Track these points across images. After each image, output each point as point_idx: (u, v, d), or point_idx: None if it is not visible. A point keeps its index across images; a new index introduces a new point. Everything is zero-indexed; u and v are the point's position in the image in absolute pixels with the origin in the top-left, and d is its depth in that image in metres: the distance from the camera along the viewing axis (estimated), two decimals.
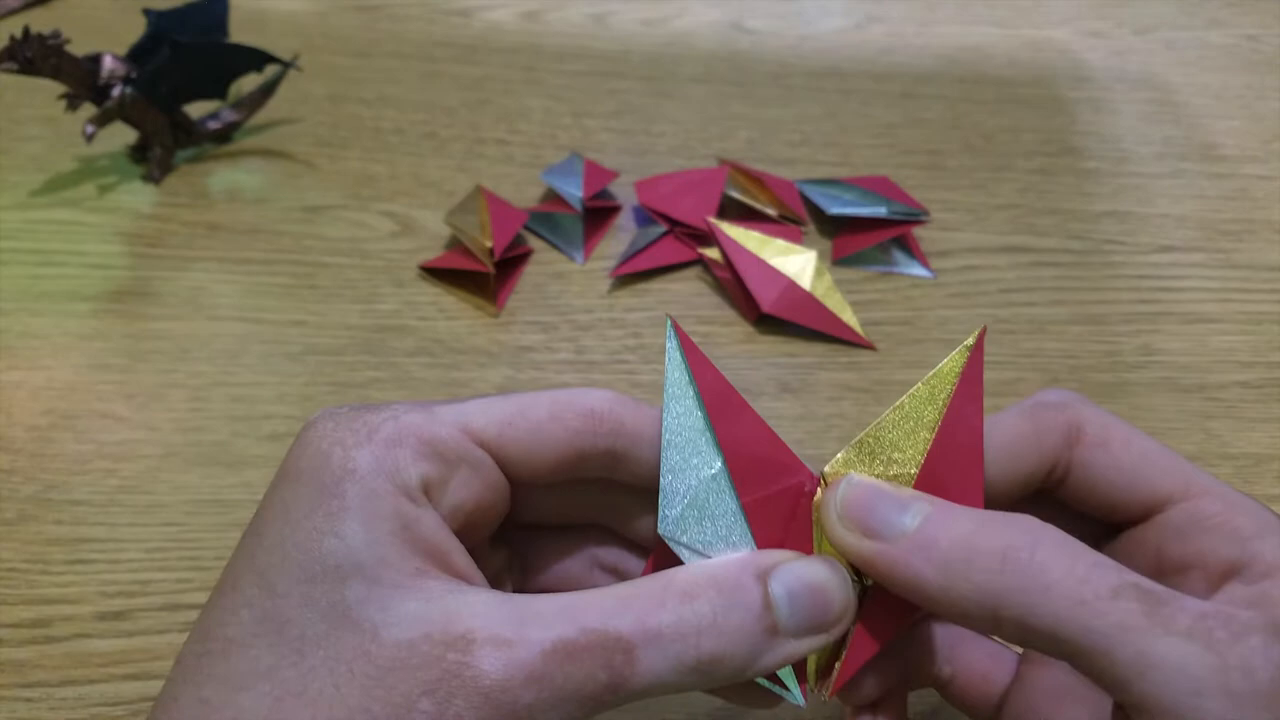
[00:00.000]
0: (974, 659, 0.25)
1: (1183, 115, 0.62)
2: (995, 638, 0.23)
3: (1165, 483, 0.22)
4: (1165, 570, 0.22)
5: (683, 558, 0.22)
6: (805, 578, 0.21)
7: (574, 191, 0.50)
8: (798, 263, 0.46)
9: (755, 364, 0.44)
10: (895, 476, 0.22)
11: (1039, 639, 0.19)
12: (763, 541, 0.22)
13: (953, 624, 0.25)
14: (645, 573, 0.23)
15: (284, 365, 0.43)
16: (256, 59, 0.54)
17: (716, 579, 0.21)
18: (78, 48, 0.48)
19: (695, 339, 0.45)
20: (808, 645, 0.21)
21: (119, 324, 0.44)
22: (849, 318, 0.45)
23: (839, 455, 0.23)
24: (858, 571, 0.22)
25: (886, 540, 0.20)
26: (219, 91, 0.54)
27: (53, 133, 0.55)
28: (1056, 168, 0.57)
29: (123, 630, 0.33)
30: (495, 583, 0.25)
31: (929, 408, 0.23)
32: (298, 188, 0.53)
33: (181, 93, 0.52)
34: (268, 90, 0.56)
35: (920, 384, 0.23)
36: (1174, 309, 0.48)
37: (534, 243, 0.50)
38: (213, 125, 0.54)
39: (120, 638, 0.33)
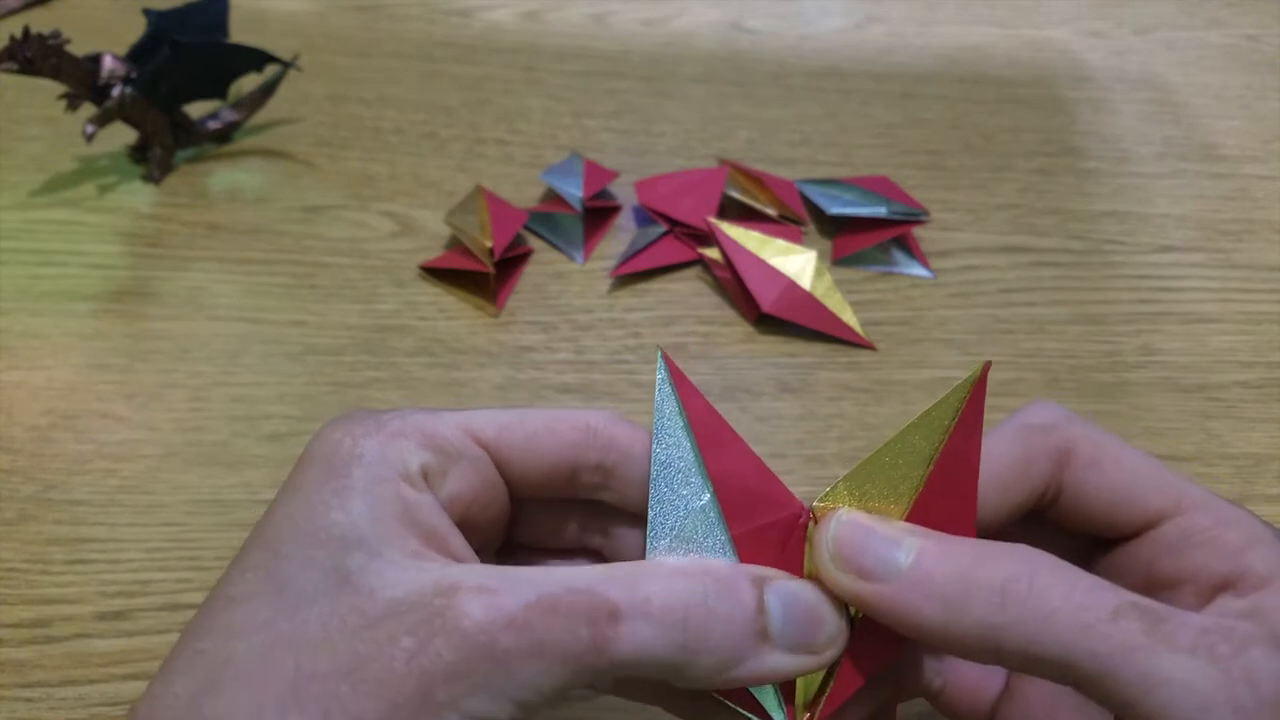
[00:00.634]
0: (964, 670, 0.25)
1: (1183, 115, 0.62)
2: None
3: (1156, 500, 0.22)
4: (1157, 586, 0.22)
5: None
6: (800, 596, 0.21)
7: (574, 191, 0.50)
8: (798, 263, 0.46)
9: (755, 364, 0.44)
10: (888, 511, 0.22)
11: (1043, 667, 0.19)
12: None
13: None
14: None
15: (284, 365, 0.43)
16: (256, 59, 0.54)
17: (711, 570, 0.21)
18: (78, 48, 0.48)
19: (695, 339, 0.45)
20: (795, 664, 0.21)
21: (119, 324, 0.44)
22: (849, 318, 0.45)
23: (830, 488, 0.23)
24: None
25: (881, 580, 0.20)
26: (219, 91, 0.54)
27: (53, 133, 0.55)
28: (1056, 168, 0.57)
29: (123, 630, 0.33)
30: None
31: (924, 441, 0.22)
32: (298, 188, 0.53)
33: (181, 93, 0.52)
34: (268, 90, 0.56)
35: (918, 416, 0.22)
36: (1174, 309, 0.48)
37: (534, 243, 0.50)
38: (213, 125, 0.54)
39: (120, 638, 0.33)
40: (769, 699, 0.22)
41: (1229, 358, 0.45)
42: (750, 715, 0.22)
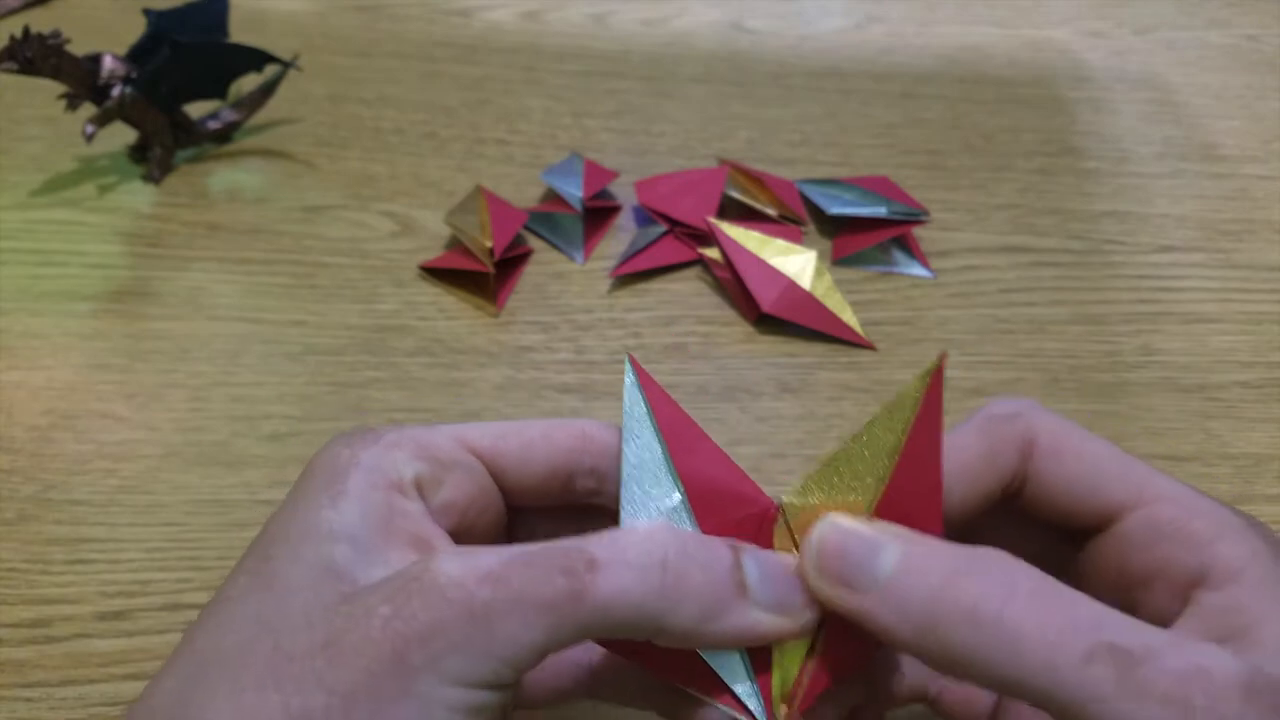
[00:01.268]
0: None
1: (1183, 115, 0.62)
2: None
3: (1118, 491, 0.22)
4: (1130, 583, 0.22)
5: None
6: (774, 559, 0.21)
7: (574, 191, 0.50)
8: (798, 263, 0.46)
9: (755, 364, 0.44)
10: (854, 503, 0.22)
11: (1015, 694, 0.19)
12: None
13: None
14: None
15: (284, 365, 0.43)
16: (256, 59, 0.54)
17: (687, 533, 0.21)
18: (78, 48, 0.48)
19: (695, 339, 0.45)
20: (774, 624, 0.21)
21: (119, 324, 0.44)
22: (849, 318, 0.45)
23: (797, 483, 0.23)
24: None
25: (861, 591, 0.20)
26: (219, 91, 0.54)
27: (53, 133, 0.55)
28: (1056, 168, 0.57)
29: (123, 630, 0.33)
30: None
31: (889, 434, 0.22)
32: (298, 188, 0.53)
33: (181, 93, 0.52)
34: (268, 90, 0.56)
35: (880, 410, 0.22)
36: (1174, 309, 0.48)
37: (534, 243, 0.50)
38: (213, 125, 0.54)
39: (120, 638, 0.33)
40: (746, 692, 0.22)
41: (1229, 358, 0.45)
42: (730, 710, 0.22)
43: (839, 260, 0.49)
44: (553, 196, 0.51)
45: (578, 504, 0.25)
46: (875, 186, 0.52)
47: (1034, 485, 0.23)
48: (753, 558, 0.21)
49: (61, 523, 0.36)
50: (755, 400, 0.43)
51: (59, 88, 0.49)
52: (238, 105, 0.55)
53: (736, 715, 0.22)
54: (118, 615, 0.34)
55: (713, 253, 0.48)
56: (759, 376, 0.44)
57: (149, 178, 0.52)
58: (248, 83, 0.56)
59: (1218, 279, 0.50)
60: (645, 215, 0.51)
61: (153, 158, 0.52)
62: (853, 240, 0.50)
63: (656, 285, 0.48)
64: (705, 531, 0.22)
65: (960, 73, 0.65)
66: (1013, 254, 0.51)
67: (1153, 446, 0.41)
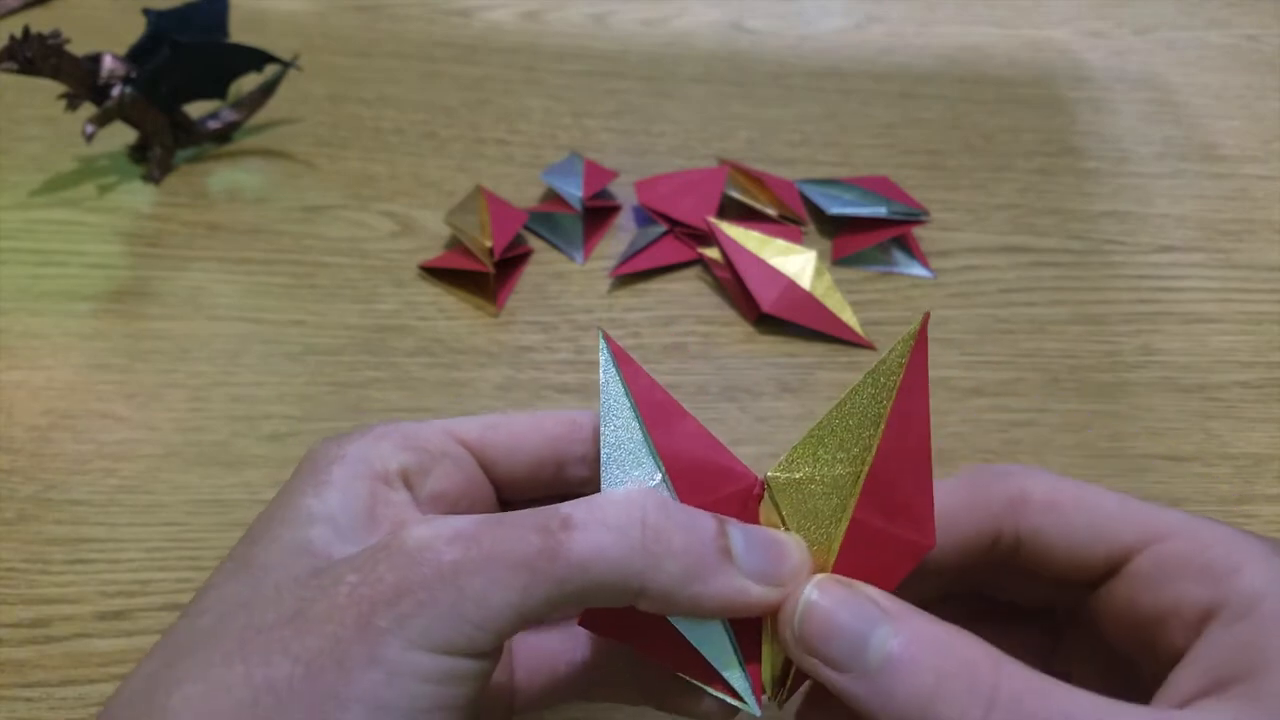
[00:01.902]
0: None
1: (1183, 115, 0.62)
2: None
3: (1123, 533, 0.21)
4: (1143, 625, 0.21)
5: None
6: (759, 531, 0.21)
7: (574, 191, 0.50)
8: (798, 263, 0.46)
9: (755, 364, 0.44)
10: (841, 476, 0.22)
11: None
12: None
13: None
14: None
15: (284, 365, 0.43)
16: (256, 59, 0.54)
17: (668, 498, 0.21)
18: (78, 48, 0.48)
19: (695, 339, 0.45)
20: (762, 594, 0.20)
21: (119, 324, 0.44)
22: (849, 317, 0.45)
23: (784, 457, 0.22)
24: None
25: (845, 671, 0.19)
26: (219, 91, 0.54)
27: (53, 133, 0.55)
28: (1056, 168, 0.57)
29: (123, 630, 0.33)
30: None
31: (873, 403, 0.22)
32: (298, 188, 0.53)
33: (181, 93, 0.52)
34: (268, 90, 0.56)
35: (864, 376, 0.22)
36: (1174, 309, 0.48)
37: (534, 243, 0.50)
38: (213, 125, 0.54)
39: (120, 638, 0.33)
40: (736, 677, 0.22)
41: (1229, 358, 0.45)
42: (721, 695, 0.22)
43: (839, 260, 0.49)
44: (553, 196, 0.51)
45: (571, 494, 0.25)
46: (875, 186, 0.52)
47: (1033, 541, 0.22)
48: (738, 527, 0.21)
49: (61, 523, 0.36)
50: (755, 400, 0.43)
51: (59, 88, 0.49)
52: (238, 105, 0.55)
53: (727, 699, 0.22)
54: (118, 615, 0.34)
55: (713, 253, 0.48)
56: (759, 376, 0.44)
57: (149, 178, 0.52)
58: (248, 83, 0.56)
59: (1218, 279, 0.50)
60: (645, 215, 0.51)
61: (153, 158, 0.52)
62: (853, 240, 0.50)
63: (656, 285, 0.48)
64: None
65: (960, 73, 0.65)
66: (1013, 254, 0.51)
67: (1153, 446, 0.41)
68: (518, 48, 0.65)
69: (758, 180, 0.52)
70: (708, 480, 0.22)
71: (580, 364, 0.44)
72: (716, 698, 0.22)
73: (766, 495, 0.23)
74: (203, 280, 0.47)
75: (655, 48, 0.66)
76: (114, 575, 0.35)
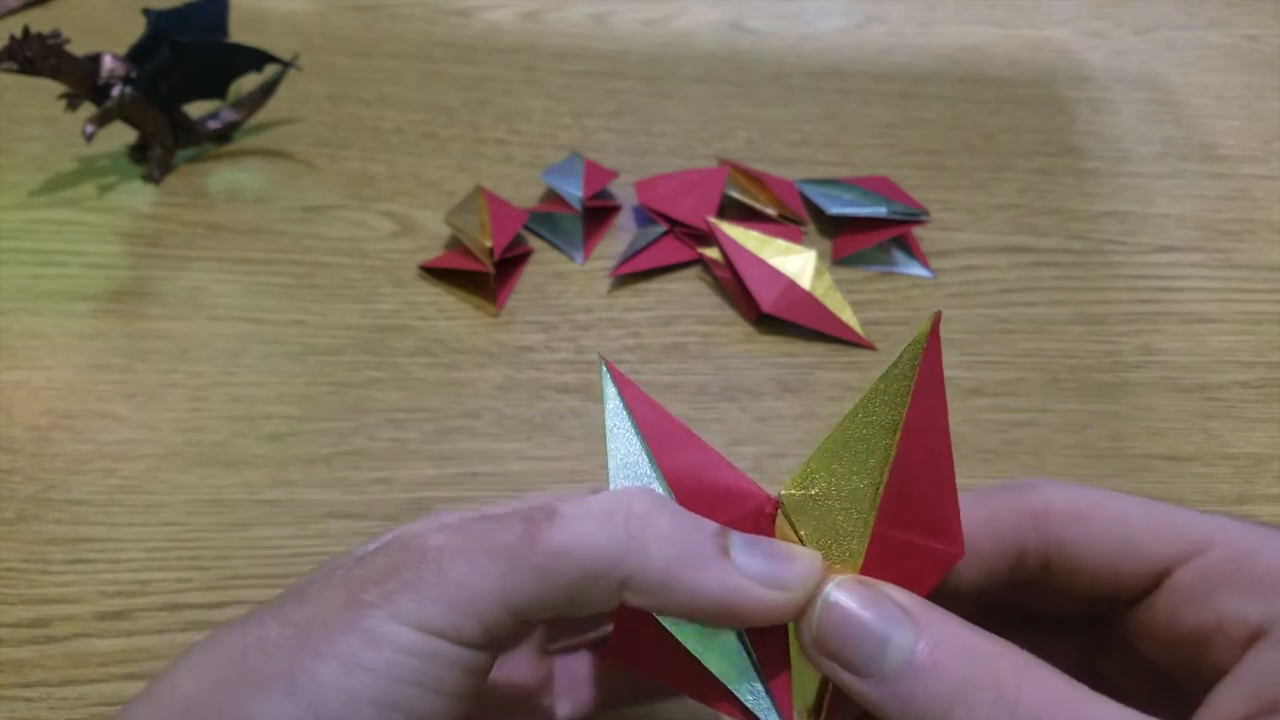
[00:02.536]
0: None
1: (1183, 115, 0.62)
2: None
3: (1159, 546, 0.20)
4: (1184, 642, 0.19)
5: None
6: (764, 539, 0.20)
7: (574, 191, 0.50)
8: (798, 263, 0.46)
9: (755, 364, 0.44)
10: (859, 489, 0.20)
11: None
12: None
13: None
14: (612, 631, 0.22)
15: (284, 365, 0.43)
16: (256, 59, 0.54)
17: (664, 496, 0.21)
18: (78, 48, 0.48)
19: (695, 339, 0.45)
20: (764, 595, 0.19)
21: (119, 324, 0.44)
22: (849, 318, 0.45)
23: (796, 472, 0.21)
24: None
25: (864, 676, 0.18)
26: (219, 91, 0.54)
27: (53, 133, 0.55)
28: (1056, 168, 0.57)
29: (123, 630, 0.33)
30: None
31: (887, 409, 0.20)
32: (298, 188, 0.53)
33: (181, 93, 0.52)
34: (268, 90, 0.56)
35: (875, 382, 0.21)
36: (1174, 309, 0.48)
37: (534, 243, 0.50)
38: (213, 125, 0.54)
39: (120, 637, 0.33)
40: (755, 693, 0.21)
41: (1229, 358, 0.45)
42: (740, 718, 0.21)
43: (839, 260, 0.49)
44: (553, 196, 0.51)
45: None
46: (875, 186, 0.52)
47: (1060, 556, 0.21)
48: (739, 534, 0.20)
49: (61, 522, 0.36)
50: (755, 400, 0.43)
51: (59, 88, 0.49)
52: (238, 105, 0.55)
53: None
54: (118, 615, 0.34)
55: (713, 253, 0.48)
56: (759, 376, 0.44)
57: (149, 178, 0.52)
58: (248, 83, 0.56)
59: (1218, 279, 0.50)
60: (645, 215, 0.51)
61: (153, 158, 0.52)
62: (853, 240, 0.50)
63: (656, 285, 0.48)
64: None
65: (960, 73, 0.65)
66: (1013, 254, 0.51)
67: (1153, 446, 0.41)
68: (518, 48, 0.65)
69: (758, 180, 0.52)
70: (717, 501, 0.21)
71: (580, 364, 0.44)
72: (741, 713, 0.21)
73: (781, 514, 0.22)
74: (203, 280, 0.47)
75: (655, 48, 0.66)
76: (114, 575, 0.35)
